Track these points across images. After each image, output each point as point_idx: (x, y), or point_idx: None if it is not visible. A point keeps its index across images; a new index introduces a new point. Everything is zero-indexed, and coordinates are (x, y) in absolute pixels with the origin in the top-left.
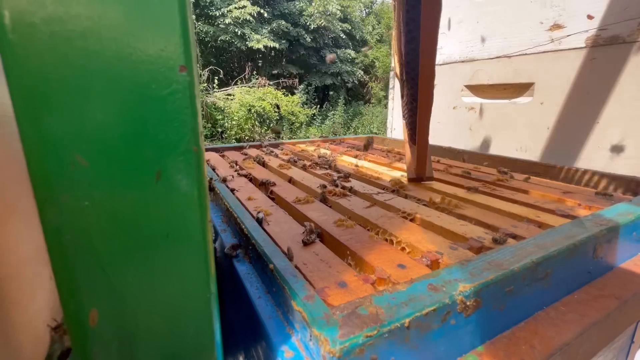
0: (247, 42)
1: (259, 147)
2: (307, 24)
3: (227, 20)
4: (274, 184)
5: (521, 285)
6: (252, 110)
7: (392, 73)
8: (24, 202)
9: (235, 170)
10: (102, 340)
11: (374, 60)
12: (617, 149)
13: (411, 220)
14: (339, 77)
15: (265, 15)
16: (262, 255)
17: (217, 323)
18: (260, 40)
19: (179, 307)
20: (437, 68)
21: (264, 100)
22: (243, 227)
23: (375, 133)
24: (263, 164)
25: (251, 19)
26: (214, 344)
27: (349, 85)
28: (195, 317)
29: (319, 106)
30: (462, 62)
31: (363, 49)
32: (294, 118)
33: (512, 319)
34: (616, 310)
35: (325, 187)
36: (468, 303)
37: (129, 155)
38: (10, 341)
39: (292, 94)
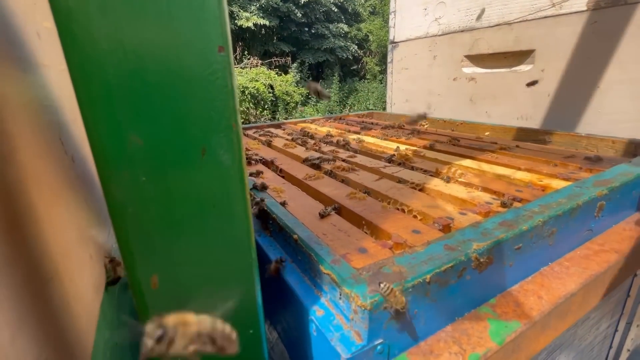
0: (236, 21)
1: (261, 127)
2: None
3: None
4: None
5: (529, 242)
6: (246, 92)
7: (390, 46)
8: (65, 188)
9: None
10: (162, 301)
11: (368, 34)
12: (617, 113)
13: (420, 190)
14: (333, 53)
15: None
16: (284, 228)
17: (258, 285)
18: (249, 18)
19: (226, 272)
20: (435, 39)
21: (257, 81)
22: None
23: (372, 109)
24: (268, 144)
25: None
26: (256, 304)
27: (343, 59)
28: (239, 280)
29: None
30: (462, 31)
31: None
32: (289, 98)
33: (521, 274)
34: (616, 263)
35: (333, 162)
36: (482, 260)
37: (177, 133)
38: (70, 310)
39: (286, 73)
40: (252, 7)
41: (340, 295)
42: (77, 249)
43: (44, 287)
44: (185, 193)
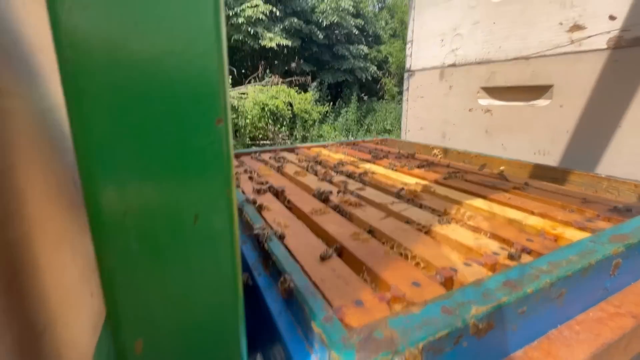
0: (260, 41)
1: (274, 151)
2: (320, 20)
3: (240, 20)
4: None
5: (534, 305)
6: (266, 109)
7: (406, 74)
8: (72, 226)
9: (250, 177)
10: None
11: (387, 55)
12: (639, 154)
13: (426, 232)
14: (352, 74)
15: (278, 13)
16: (282, 273)
17: (244, 340)
18: (273, 39)
19: (212, 339)
20: (452, 69)
21: (277, 98)
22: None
23: (389, 130)
24: (280, 171)
25: (264, 17)
26: None
27: (363, 80)
28: (225, 347)
29: (331, 103)
30: (479, 63)
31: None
32: (307, 116)
33: (524, 338)
34: (632, 330)
35: (342, 195)
36: (480, 326)
37: (171, 200)
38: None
39: (305, 91)
40: (276, 28)
41: (329, 358)
42: (78, 287)
43: (37, 338)
44: (175, 259)
